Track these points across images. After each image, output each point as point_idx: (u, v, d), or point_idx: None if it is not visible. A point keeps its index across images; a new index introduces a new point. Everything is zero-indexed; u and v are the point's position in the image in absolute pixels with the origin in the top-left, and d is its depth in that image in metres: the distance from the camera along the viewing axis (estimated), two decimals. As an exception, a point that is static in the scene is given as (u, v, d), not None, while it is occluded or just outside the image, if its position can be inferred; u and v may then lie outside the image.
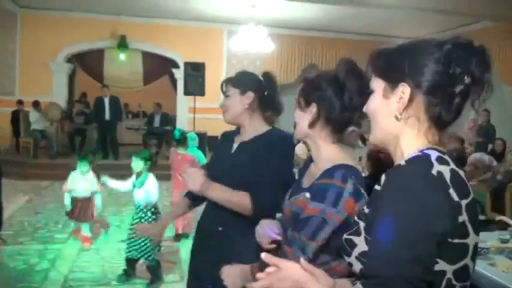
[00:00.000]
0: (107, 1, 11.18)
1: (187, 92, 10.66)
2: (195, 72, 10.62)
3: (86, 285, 4.62)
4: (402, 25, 11.90)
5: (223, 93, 2.33)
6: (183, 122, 12.39)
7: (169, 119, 12.91)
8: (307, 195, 1.59)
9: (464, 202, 1.08)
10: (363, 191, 1.53)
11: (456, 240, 1.07)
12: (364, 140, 8.68)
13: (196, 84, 10.55)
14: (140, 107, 16.25)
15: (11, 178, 8.84)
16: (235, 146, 2.29)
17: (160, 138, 12.48)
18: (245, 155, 2.19)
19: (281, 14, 11.37)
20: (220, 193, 2.13)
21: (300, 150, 7.47)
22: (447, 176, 1.08)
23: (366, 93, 1.30)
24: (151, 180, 4.75)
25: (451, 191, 1.07)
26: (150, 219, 4.56)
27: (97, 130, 11.88)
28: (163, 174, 8.28)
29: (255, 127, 2.26)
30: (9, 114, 11.58)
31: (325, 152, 1.67)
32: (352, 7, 10.27)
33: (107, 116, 11.31)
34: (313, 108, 1.65)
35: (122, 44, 12.80)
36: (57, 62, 12.72)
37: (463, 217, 1.07)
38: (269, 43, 10.74)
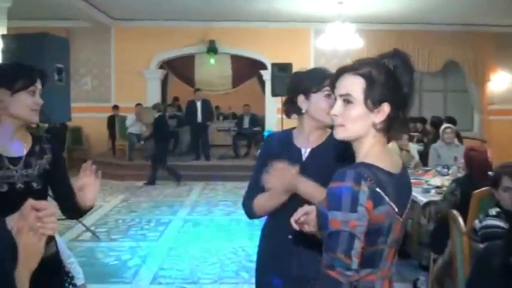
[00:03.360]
0: (196, 9, 11.44)
1: (274, 93, 10.62)
2: (282, 73, 10.53)
3: (175, 283, 4.69)
4: (490, 13, 11.13)
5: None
6: (271, 122, 12.40)
7: (258, 120, 12.99)
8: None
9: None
10: (383, 194, 1.38)
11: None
12: (460, 138, 8.19)
13: (284, 85, 10.39)
14: (230, 109, 16.50)
15: (107, 178, 9.31)
16: (304, 152, 2.12)
17: (249, 139, 12.59)
18: (317, 161, 2.06)
19: (369, 8, 11.02)
20: (312, 188, 1.93)
21: (392, 150, 7.19)
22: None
23: (414, 90, 1.53)
24: None
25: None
26: None
27: (189, 132, 12.22)
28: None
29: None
30: (106, 119, 12.23)
31: (373, 153, 1.48)
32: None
33: (199, 119, 11.59)
34: (385, 108, 1.45)
35: (212, 49, 13.07)
36: (150, 69, 13.27)
37: None
38: (358, 40, 10.45)
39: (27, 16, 10.75)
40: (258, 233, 6.03)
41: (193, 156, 11.78)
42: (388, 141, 1.53)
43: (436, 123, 8.92)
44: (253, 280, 4.81)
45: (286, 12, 11.64)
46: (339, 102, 1.48)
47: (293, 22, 12.60)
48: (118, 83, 13.16)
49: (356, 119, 1.45)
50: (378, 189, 1.37)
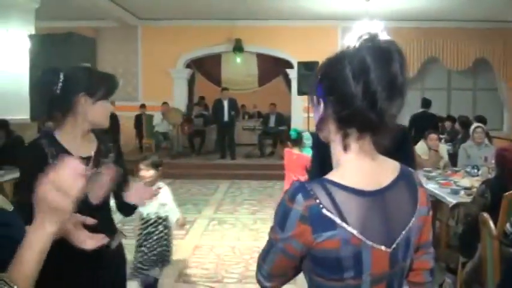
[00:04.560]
0: (222, 7, 11.49)
1: (300, 92, 10.59)
2: (309, 72, 10.50)
3: (199, 281, 4.71)
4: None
5: None
6: (297, 121, 12.36)
7: (284, 119, 12.96)
8: None
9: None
10: (333, 218, 1.14)
11: None
12: (490, 138, 8.00)
13: (310, 84, 10.43)
14: (256, 107, 16.51)
15: (134, 177, 9.36)
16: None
17: (275, 137, 12.58)
18: None
19: (396, 6, 10.88)
20: None
21: (420, 150, 7.10)
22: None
23: (396, 86, 1.18)
24: (166, 191, 4.04)
25: None
26: (161, 234, 4.02)
27: (216, 131, 12.28)
28: (278, 174, 8.30)
29: None
30: (133, 118, 12.35)
31: (341, 164, 1.27)
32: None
33: (226, 118, 11.62)
34: (320, 104, 1.30)
35: (238, 48, 13.11)
36: (176, 69, 13.38)
37: None
38: (385, 37, 10.32)
39: (55, 16, 10.95)
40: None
41: (219, 154, 11.82)
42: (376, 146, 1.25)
43: (465, 122, 8.75)
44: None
45: (312, 10, 11.59)
46: None
47: (320, 20, 12.53)
48: (145, 82, 13.31)
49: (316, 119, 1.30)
50: (324, 211, 1.14)
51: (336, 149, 1.25)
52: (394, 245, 1.21)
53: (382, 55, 1.18)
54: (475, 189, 4.52)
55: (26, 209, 1.12)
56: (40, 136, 2.13)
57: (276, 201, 6.06)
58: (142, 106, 12.47)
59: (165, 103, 12.12)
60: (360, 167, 1.22)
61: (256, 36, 12.92)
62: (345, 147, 1.22)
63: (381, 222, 1.20)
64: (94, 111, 2.02)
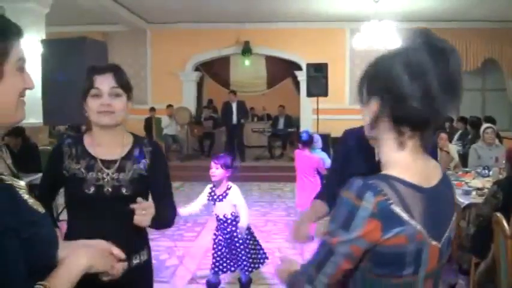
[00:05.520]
0: (230, 10, 11.54)
1: (310, 94, 10.60)
2: (318, 74, 10.52)
3: (212, 283, 4.72)
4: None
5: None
6: (306, 123, 12.36)
7: (293, 121, 13.00)
8: None
9: None
10: (401, 214, 1.14)
11: None
12: (500, 138, 7.98)
13: (319, 85, 10.44)
14: (265, 109, 16.54)
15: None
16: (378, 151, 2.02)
17: (284, 139, 12.60)
18: None
19: (405, 6, 10.88)
20: None
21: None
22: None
23: (452, 84, 1.21)
24: (235, 192, 4.07)
25: None
26: (246, 231, 4.08)
27: (225, 133, 12.32)
28: (288, 175, 8.32)
29: None
30: (143, 121, 12.42)
31: (395, 160, 1.26)
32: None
33: (234, 120, 11.66)
34: (373, 103, 1.29)
35: (246, 50, 13.15)
36: (185, 72, 13.47)
37: None
38: (394, 38, 10.31)
39: (65, 22, 11.05)
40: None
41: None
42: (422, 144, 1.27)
43: (475, 123, 8.72)
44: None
45: (321, 12, 11.61)
46: None
47: (328, 22, 12.56)
48: (154, 85, 13.40)
49: (362, 116, 1.32)
50: (393, 207, 1.14)
51: (389, 147, 1.26)
52: (442, 241, 1.24)
53: (438, 54, 1.18)
54: (486, 190, 4.52)
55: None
56: (67, 137, 2.15)
57: (286, 202, 6.08)
58: (152, 109, 12.54)
59: (169, 106, 12.16)
60: (414, 164, 1.23)
61: (264, 39, 12.96)
62: (401, 145, 1.24)
63: (435, 218, 1.22)
64: (88, 109, 1.98)
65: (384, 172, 1.23)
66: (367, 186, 1.15)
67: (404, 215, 1.15)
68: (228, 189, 4.01)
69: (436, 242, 1.22)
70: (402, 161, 1.24)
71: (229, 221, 4.03)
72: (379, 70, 1.24)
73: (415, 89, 1.17)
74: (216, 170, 3.98)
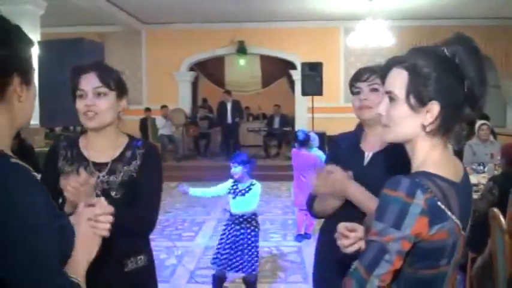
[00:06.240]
0: (224, 10, 11.56)
1: (305, 93, 10.63)
2: (313, 72, 10.55)
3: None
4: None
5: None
6: (301, 122, 12.40)
7: (288, 120, 13.03)
8: None
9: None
10: (445, 210, 1.19)
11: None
12: (495, 135, 8.02)
13: (314, 84, 10.48)
14: (260, 109, 16.56)
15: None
16: (367, 155, 1.99)
17: (280, 139, 12.62)
18: (377, 167, 1.92)
19: (400, 4, 10.91)
20: (360, 193, 1.88)
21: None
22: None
23: (486, 82, 1.27)
24: (257, 190, 4.11)
25: None
26: (257, 229, 4.13)
27: (221, 133, 12.34)
28: (284, 174, 8.35)
29: None
30: (138, 121, 12.42)
31: (431, 160, 1.28)
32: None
33: (229, 120, 11.67)
34: (435, 107, 1.24)
35: (241, 50, 13.19)
36: (180, 72, 13.48)
37: None
38: (389, 37, 10.36)
39: (59, 23, 11.02)
40: (292, 233, 6.06)
41: (225, 156, 11.86)
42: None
43: (469, 119, 8.75)
44: (290, 279, 4.83)
45: (316, 11, 11.64)
46: (386, 100, 1.31)
47: (323, 21, 12.59)
48: (149, 86, 13.41)
49: (399, 119, 1.27)
50: (439, 204, 1.18)
51: (423, 146, 1.29)
52: (466, 230, 1.30)
53: (476, 54, 1.26)
54: (481, 186, 4.56)
55: None
56: (64, 138, 2.14)
57: (283, 201, 6.11)
58: (147, 110, 12.53)
59: (164, 106, 12.15)
60: (447, 161, 1.30)
61: (259, 38, 12.99)
62: (434, 145, 1.29)
63: (465, 210, 1.27)
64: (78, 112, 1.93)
65: (422, 169, 1.26)
66: (417, 184, 1.19)
67: (447, 210, 1.20)
68: (252, 185, 4.10)
69: (464, 233, 1.27)
70: (436, 159, 1.28)
71: (244, 217, 4.07)
72: (442, 74, 1.25)
73: (461, 91, 1.24)
74: (235, 169, 4.09)
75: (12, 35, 1.18)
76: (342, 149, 2.11)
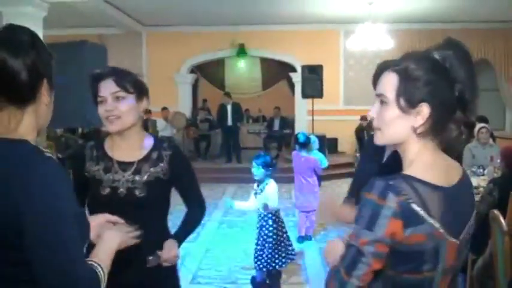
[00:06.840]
0: (225, 13, 11.59)
1: (305, 95, 10.69)
2: (313, 75, 10.61)
3: (214, 283, 4.80)
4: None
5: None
6: (301, 124, 12.44)
7: (288, 122, 13.07)
8: None
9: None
10: (421, 212, 1.20)
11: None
12: (494, 138, 8.06)
13: (314, 87, 10.54)
14: (260, 111, 16.61)
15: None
16: (387, 154, 2.00)
17: (280, 141, 12.66)
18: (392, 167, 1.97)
19: (399, 8, 10.96)
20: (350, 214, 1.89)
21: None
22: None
23: (477, 86, 1.32)
24: (271, 187, 4.35)
25: None
26: (271, 228, 4.30)
27: (221, 135, 12.37)
28: (284, 176, 8.36)
29: None
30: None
31: (418, 162, 1.29)
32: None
33: (229, 122, 11.71)
34: (424, 109, 1.26)
35: (241, 52, 13.24)
36: (180, 74, 13.53)
37: None
38: (388, 40, 10.42)
39: (60, 25, 11.03)
40: (293, 235, 6.07)
41: (225, 159, 11.91)
42: (443, 145, 1.33)
43: (469, 123, 8.77)
44: (291, 281, 4.86)
45: (316, 14, 11.68)
46: (377, 103, 1.33)
47: (322, 24, 12.63)
48: (150, 88, 13.24)
49: (390, 121, 1.29)
50: (414, 206, 1.19)
51: (411, 147, 1.30)
52: (461, 238, 1.29)
53: (467, 59, 1.30)
54: (481, 189, 4.59)
55: None
56: (91, 139, 2.23)
57: (283, 203, 6.11)
58: (148, 111, 12.56)
59: (164, 108, 12.20)
60: (436, 164, 1.29)
61: (259, 41, 13.03)
62: (424, 146, 1.30)
63: (454, 216, 1.27)
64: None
65: (404, 172, 1.28)
66: (389, 187, 1.20)
67: (424, 214, 1.20)
68: (266, 183, 4.26)
69: (454, 239, 1.26)
70: (425, 161, 1.29)
71: (261, 215, 4.30)
72: (432, 77, 1.26)
73: (453, 94, 1.27)
74: (257, 170, 4.23)
75: (37, 42, 1.22)
76: (375, 150, 2.09)
